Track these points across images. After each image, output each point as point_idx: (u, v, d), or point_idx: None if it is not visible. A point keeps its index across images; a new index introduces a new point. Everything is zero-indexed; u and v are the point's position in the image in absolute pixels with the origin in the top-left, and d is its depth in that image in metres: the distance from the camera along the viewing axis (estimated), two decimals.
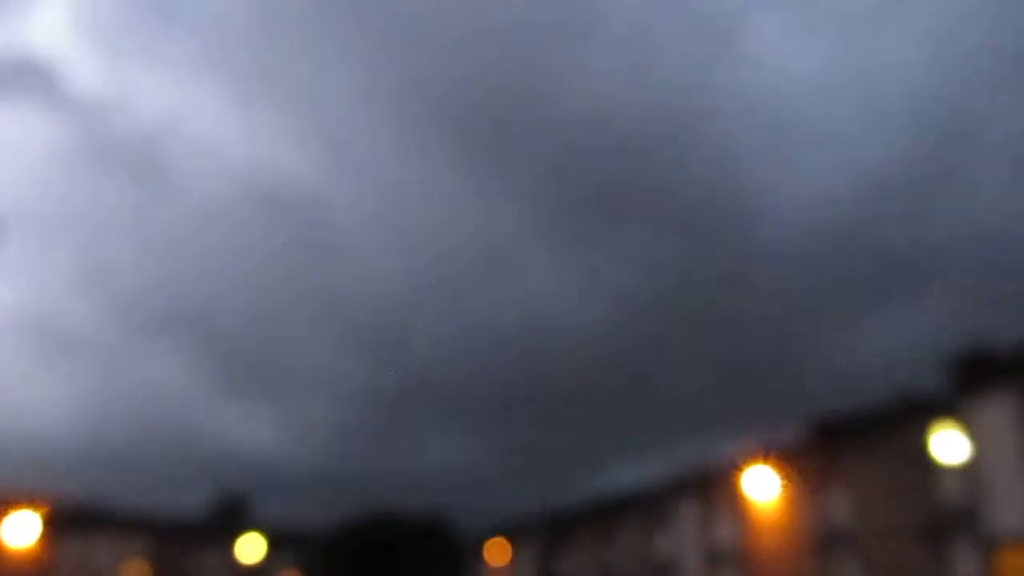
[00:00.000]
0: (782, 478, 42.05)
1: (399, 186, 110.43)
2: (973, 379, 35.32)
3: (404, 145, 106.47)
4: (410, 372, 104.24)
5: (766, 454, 42.67)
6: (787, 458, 41.18)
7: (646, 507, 55.30)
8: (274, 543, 64.35)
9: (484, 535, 68.95)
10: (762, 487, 40.97)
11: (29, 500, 46.07)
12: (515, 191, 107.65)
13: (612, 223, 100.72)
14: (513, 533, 68.39)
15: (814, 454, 41.71)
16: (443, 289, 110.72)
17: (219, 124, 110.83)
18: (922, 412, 36.12)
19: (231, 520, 65.50)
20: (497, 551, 69.24)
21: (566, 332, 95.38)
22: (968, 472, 33.97)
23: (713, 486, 47.92)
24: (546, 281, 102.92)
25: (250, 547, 63.16)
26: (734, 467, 42.18)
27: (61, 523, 51.60)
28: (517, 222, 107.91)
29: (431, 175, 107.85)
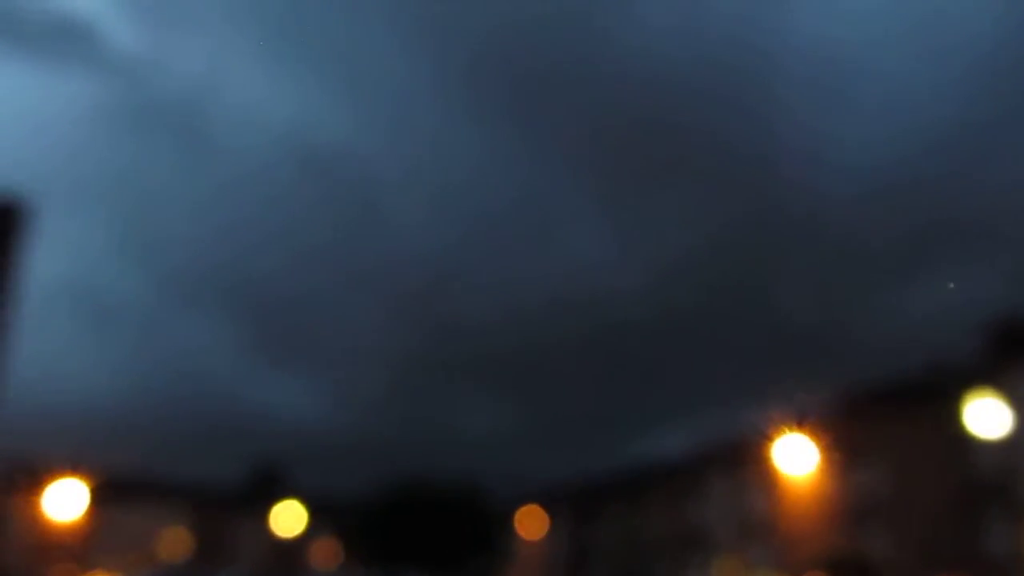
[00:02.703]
0: (816, 448, 41.83)
1: (441, 145, 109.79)
2: (1012, 349, 34.92)
3: (447, 104, 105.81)
4: (448, 338, 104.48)
5: (800, 423, 42.34)
6: (822, 428, 40.98)
7: (678, 478, 55.37)
8: (311, 512, 65.31)
9: (518, 503, 69.37)
10: (795, 458, 40.80)
11: (72, 470, 46.97)
12: (560, 150, 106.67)
13: (658, 183, 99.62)
14: (546, 502, 68.77)
15: (849, 424, 41.50)
16: (483, 252, 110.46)
17: (259, 85, 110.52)
18: (959, 382, 35.77)
19: (269, 489, 66.50)
20: (531, 521, 69.74)
21: (606, 296, 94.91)
22: (1005, 443, 33.66)
23: (746, 456, 47.84)
24: (588, 244, 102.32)
25: (287, 516, 64.17)
26: (767, 437, 41.98)
27: (102, 492, 52.69)
28: (561, 182, 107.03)
29: (474, 134, 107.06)
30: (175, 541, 63.05)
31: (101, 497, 54.32)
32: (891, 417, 39.82)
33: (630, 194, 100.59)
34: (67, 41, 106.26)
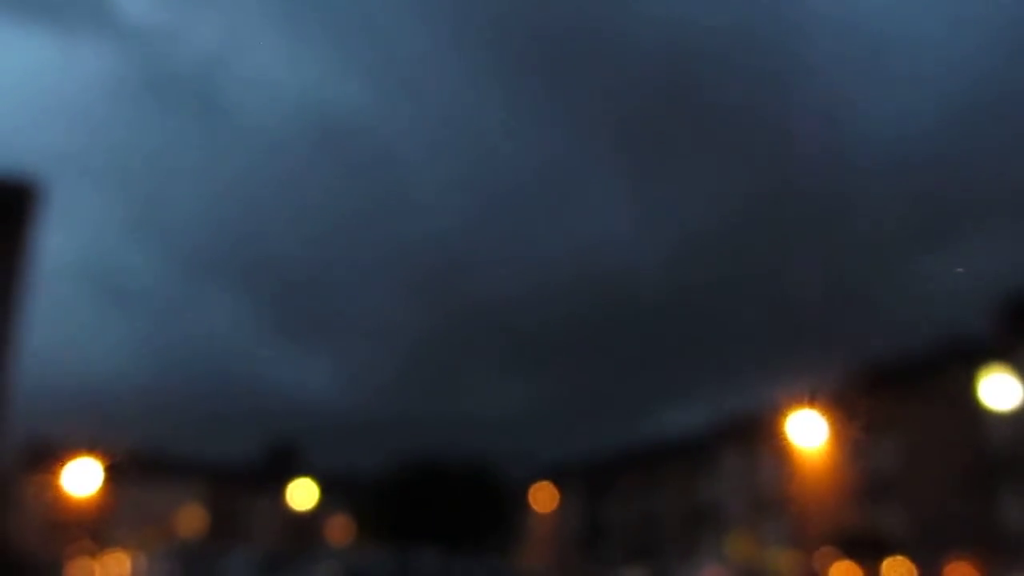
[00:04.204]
0: (828, 424, 41.87)
1: (460, 117, 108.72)
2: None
3: (465, 74, 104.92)
4: (465, 315, 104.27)
5: (812, 399, 42.33)
6: (834, 404, 40.95)
7: (691, 453, 55.48)
8: (325, 489, 65.71)
9: (530, 480, 69.67)
10: (808, 433, 40.85)
11: (89, 449, 47.38)
12: (580, 120, 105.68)
13: (679, 155, 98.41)
14: (559, 478, 69.06)
15: (862, 400, 41.43)
16: (501, 226, 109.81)
17: (277, 57, 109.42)
18: (972, 357, 35.66)
19: (283, 466, 66.94)
20: (543, 497, 70.04)
21: (622, 272, 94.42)
22: (1017, 418, 33.57)
23: (758, 432, 47.88)
24: (606, 220, 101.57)
25: (301, 493, 64.60)
26: (779, 413, 42.03)
27: (120, 471, 53.13)
28: (582, 156, 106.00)
29: (495, 108, 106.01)
30: (191, 518, 63.63)
31: (118, 475, 54.86)
32: (904, 393, 39.73)
33: (650, 167, 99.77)
34: (78, 10, 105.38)
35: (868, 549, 32.41)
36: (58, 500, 53.06)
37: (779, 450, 45.86)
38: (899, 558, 30.14)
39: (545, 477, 69.44)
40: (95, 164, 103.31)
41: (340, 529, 69.28)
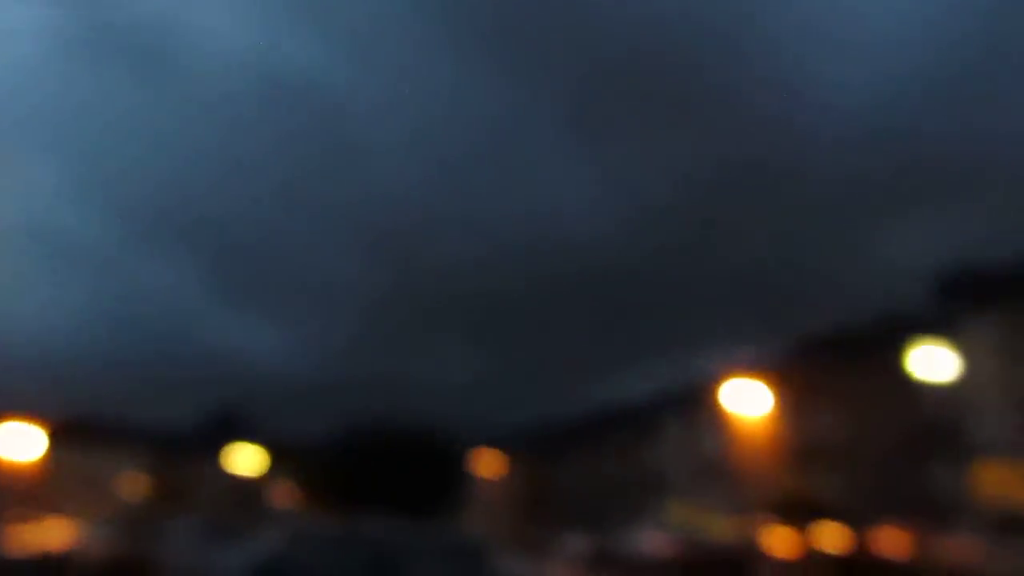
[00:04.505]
0: (770, 393, 42.58)
1: (414, 76, 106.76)
2: (961, 297, 35.50)
3: (423, 35, 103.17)
4: (416, 280, 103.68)
5: (754, 369, 43.12)
6: (775, 373, 41.59)
7: (635, 421, 56.06)
8: (273, 456, 65.32)
9: (479, 447, 69.94)
10: (749, 401, 41.53)
11: (26, 413, 46.54)
12: (537, 86, 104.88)
13: (639, 123, 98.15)
14: (507, 445, 69.40)
15: (802, 369, 42.12)
16: (454, 190, 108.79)
17: (223, 9, 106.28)
18: (909, 330, 36.39)
19: (228, 433, 66.36)
20: (492, 465, 70.35)
21: (574, 242, 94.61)
22: (953, 389, 34.38)
23: (701, 400, 48.51)
24: (560, 188, 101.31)
25: (245, 459, 64.19)
26: (722, 381, 42.71)
27: (59, 435, 52.38)
28: (538, 120, 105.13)
29: (450, 67, 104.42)
30: (134, 485, 62.93)
31: (58, 440, 54.00)
32: (845, 364, 40.47)
33: (606, 135, 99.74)
34: None
35: (802, 514, 33.09)
36: None
37: (722, 418, 46.56)
38: (831, 522, 30.83)
39: (494, 443, 69.76)
40: (35, 120, 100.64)
41: (286, 496, 69.01)
